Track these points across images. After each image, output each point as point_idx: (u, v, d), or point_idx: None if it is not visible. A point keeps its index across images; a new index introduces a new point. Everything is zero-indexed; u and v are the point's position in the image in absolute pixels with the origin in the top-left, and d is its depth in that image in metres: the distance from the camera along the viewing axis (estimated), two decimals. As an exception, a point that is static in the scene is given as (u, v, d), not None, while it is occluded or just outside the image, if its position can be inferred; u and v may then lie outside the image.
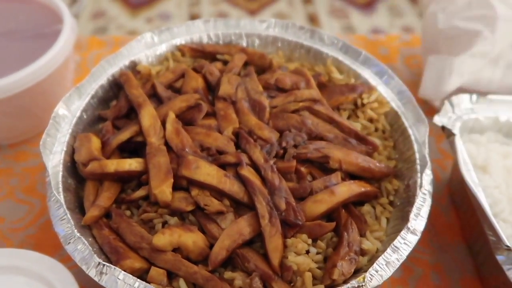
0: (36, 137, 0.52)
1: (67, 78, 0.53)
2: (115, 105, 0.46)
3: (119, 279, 0.31)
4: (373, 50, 0.69)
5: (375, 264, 0.32)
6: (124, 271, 0.31)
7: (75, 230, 0.33)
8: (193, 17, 2.21)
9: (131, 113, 0.45)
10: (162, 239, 0.33)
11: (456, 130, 0.44)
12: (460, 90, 0.52)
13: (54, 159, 0.39)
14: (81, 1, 2.20)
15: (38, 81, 0.45)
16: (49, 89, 0.48)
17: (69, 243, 0.33)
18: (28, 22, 0.51)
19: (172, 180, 0.37)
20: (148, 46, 0.51)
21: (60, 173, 0.38)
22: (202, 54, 0.52)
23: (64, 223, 0.34)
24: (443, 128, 0.44)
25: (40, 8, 0.51)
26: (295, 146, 0.42)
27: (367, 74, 0.49)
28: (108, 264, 0.31)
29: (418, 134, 0.43)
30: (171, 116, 0.42)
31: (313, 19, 2.28)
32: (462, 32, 0.50)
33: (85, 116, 0.44)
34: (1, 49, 0.48)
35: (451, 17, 0.51)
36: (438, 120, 0.45)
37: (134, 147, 0.42)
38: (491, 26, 0.49)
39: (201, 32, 0.53)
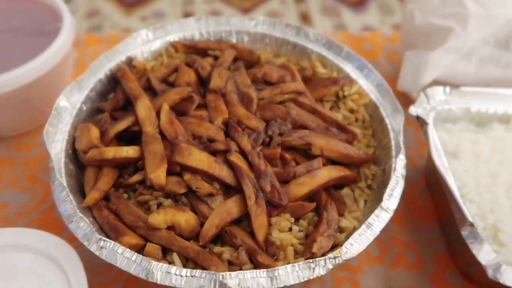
0: (37, 129, 0.55)
1: (67, 73, 0.55)
2: (113, 97, 0.49)
3: (118, 253, 0.34)
4: (358, 46, 0.72)
5: (350, 239, 0.36)
6: (123, 247, 0.34)
7: (77, 210, 0.36)
8: (187, 15, 2.24)
9: (128, 105, 0.48)
10: (157, 218, 0.37)
11: (430, 120, 0.48)
12: (436, 83, 0.56)
13: (57, 147, 0.42)
14: (75, 1, 2.21)
15: (40, 75, 0.48)
16: (50, 83, 0.51)
17: (72, 221, 0.36)
18: (30, 20, 0.54)
19: (166, 166, 0.40)
20: (143, 43, 0.54)
21: (62, 160, 0.41)
22: (194, 50, 0.55)
23: (67, 204, 0.37)
24: (418, 118, 0.48)
25: (41, 7, 0.54)
26: (280, 135, 0.45)
27: (349, 68, 0.53)
28: (108, 239, 0.34)
29: (395, 124, 0.47)
30: (165, 107, 0.45)
31: (305, 18, 2.31)
32: (437, 28, 0.54)
33: (84, 108, 0.47)
34: (4, 45, 0.51)
35: (426, 14, 0.55)
36: (414, 110, 0.49)
37: (131, 136, 0.46)
38: (463, 23, 0.53)
39: (194, 29, 0.56)
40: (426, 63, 0.54)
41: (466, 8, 0.53)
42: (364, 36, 0.75)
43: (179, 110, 0.46)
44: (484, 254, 0.37)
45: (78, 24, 2.14)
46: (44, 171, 0.51)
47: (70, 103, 0.46)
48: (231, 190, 0.41)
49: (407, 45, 0.59)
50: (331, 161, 0.45)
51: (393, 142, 0.45)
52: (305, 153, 0.45)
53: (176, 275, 0.32)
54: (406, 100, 0.59)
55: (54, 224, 0.46)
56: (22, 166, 0.52)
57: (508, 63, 0.55)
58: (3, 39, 0.52)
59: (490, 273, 0.37)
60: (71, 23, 0.52)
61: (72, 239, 0.37)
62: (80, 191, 0.42)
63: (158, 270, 0.33)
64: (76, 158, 0.43)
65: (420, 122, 0.48)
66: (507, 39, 0.54)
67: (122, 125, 0.44)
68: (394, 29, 2.13)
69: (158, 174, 0.40)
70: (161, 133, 0.44)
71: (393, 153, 0.44)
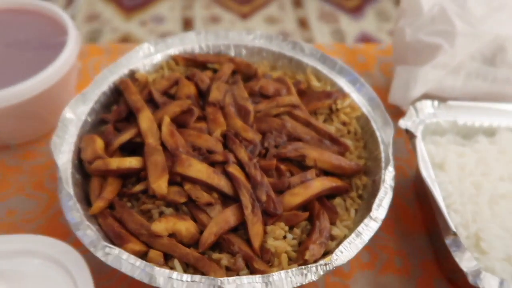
0: (42, 137, 0.57)
1: (71, 84, 0.58)
2: (116, 109, 0.51)
3: (122, 259, 0.36)
4: (352, 58, 0.75)
5: (340, 246, 0.38)
6: (127, 253, 0.37)
7: (84, 218, 0.39)
8: (186, 20, 2.26)
9: (130, 117, 0.51)
10: (159, 226, 0.39)
11: (418, 133, 0.50)
12: (426, 96, 0.58)
13: (63, 157, 0.44)
14: (75, 4, 2.23)
15: (47, 88, 0.50)
16: (55, 95, 0.54)
17: (79, 229, 0.38)
18: (36, 33, 0.56)
19: (167, 176, 0.43)
20: (145, 56, 0.56)
21: (69, 170, 0.43)
22: (194, 63, 0.58)
23: (74, 213, 0.39)
24: (407, 130, 0.51)
25: (46, 20, 0.56)
26: (276, 146, 0.47)
27: (342, 82, 0.55)
28: (113, 246, 0.37)
29: (385, 136, 0.49)
30: (166, 119, 0.48)
31: (303, 23, 2.34)
32: (426, 45, 0.57)
33: (89, 120, 0.49)
34: (11, 58, 0.53)
35: (416, 31, 0.58)
36: (403, 123, 0.51)
37: (133, 147, 0.48)
38: (451, 41, 0.55)
39: (194, 43, 0.59)
40: (416, 78, 0.57)
41: (454, 26, 0.55)
42: (358, 48, 0.78)
43: (179, 122, 0.49)
44: (466, 262, 0.40)
45: (78, 28, 2.15)
46: (49, 178, 0.53)
47: (75, 115, 0.48)
48: (229, 199, 0.43)
49: (398, 59, 0.62)
50: (324, 172, 0.47)
51: (383, 154, 0.48)
52: (300, 164, 0.47)
53: (177, 280, 0.35)
54: (397, 111, 0.62)
55: (60, 230, 0.48)
56: (28, 174, 0.54)
57: (493, 78, 0.57)
58: (10, 52, 0.54)
59: (470, 279, 0.39)
60: (76, 37, 0.55)
61: (77, 245, 0.39)
62: (85, 200, 0.44)
63: (161, 275, 0.35)
64: (82, 168, 0.46)
65: (409, 135, 0.50)
66: (493, 56, 0.57)
67: (125, 136, 0.47)
68: (391, 36, 2.16)
69: (160, 184, 0.42)
70: (162, 144, 0.46)
71: (383, 164, 0.47)
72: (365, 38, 2.19)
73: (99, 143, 0.46)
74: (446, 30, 0.56)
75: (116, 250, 0.36)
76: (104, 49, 0.71)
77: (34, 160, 0.55)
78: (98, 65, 0.69)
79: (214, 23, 2.18)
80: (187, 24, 2.15)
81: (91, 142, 0.46)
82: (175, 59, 0.57)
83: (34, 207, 0.51)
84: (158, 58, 0.57)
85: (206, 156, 0.45)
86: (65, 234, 0.45)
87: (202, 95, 0.53)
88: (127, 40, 2.01)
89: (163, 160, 0.44)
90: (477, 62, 0.57)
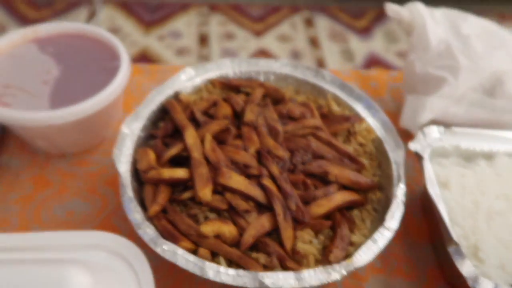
0: (94, 148, 0.65)
1: (120, 102, 0.66)
2: (163, 126, 0.58)
3: (178, 254, 0.43)
4: (365, 84, 0.83)
5: (359, 251, 0.45)
6: (182, 249, 0.44)
7: (144, 219, 0.46)
8: (202, 36, 2.36)
9: (175, 133, 0.58)
10: (207, 227, 0.46)
11: (426, 155, 0.57)
12: (433, 122, 0.66)
13: (123, 167, 0.52)
14: (97, 18, 2.33)
15: (104, 106, 0.58)
16: (109, 112, 0.61)
17: (140, 228, 0.45)
18: (93, 57, 0.64)
19: (211, 186, 0.50)
20: (187, 79, 0.64)
21: (128, 178, 0.51)
22: (229, 86, 0.66)
23: (135, 214, 0.46)
24: (416, 153, 0.58)
25: (102, 46, 0.65)
26: (303, 163, 0.55)
27: (359, 108, 0.63)
28: (170, 243, 0.44)
29: (397, 157, 0.57)
30: (208, 137, 0.55)
31: (314, 42, 2.42)
32: (433, 77, 0.64)
33: (141, 135, 0.57)
34: (72, 78, 0.61)
35: (425, 65, 0.66)
36: (413, 146, 0.58)
37: (180, 160, 0.55)
38: (455, 74, 0.63)
39: (228, 68, 0.67)
40: (424, 106, 0.64)
41: (458, 61, 0.63)
42: (371, 74, 0.85)
43: (219, 139, 0.56)
44: (466, 268, 0.47)
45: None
46: (101, 184, 0.61)
47: (130, 130, 0.56)
48: (263, 207, 0.51)
49: (409, 88, 0.70)
50: (344, 187, 0.55)
51: (395, 173, 0.55)
52: (323, 179, 0.54)
53: (225, 273, 0.42)
54: (407, 134, 0.69)
55: (113, 230, 0.55)
56: (83, 180, 0.61)
57: (493, 108, 0.65)
58: (71, 73, 0.62)
59: (470, 283, 0.46)
60: (128, 62, 0.63)
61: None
62: (140, 204, 0.51)
63: (210, 269, 0.42)
64: (137, 176, 0.53)
65: (418, 157, 0.58)
66: (492, 88, 0.65)
67: (173, 151, 0.54)
68: (398, 56, 2.24)
69: (205, 192, 0.49)
70: (205, 158, 0.54)
71: (395, 182, 0.54)
72: (373, 59, 2.28)
73: (152, 155, 0.54)
74: (451, 64, 0.64)
75: (173, 246, 0.43)
76: (144, 70, 0.80)
77: (87, 168, 0.63)
78: (140, 83, 0.77)
79: (229, 40, 2.28)
80: (203, 40, 2.25)
81: (145, 155, 0.53)
82: (212, 82, 0.65)
83: (89, 209, 0.58)
84: (198, 81, 0.65)
85: (243, 169, 0.53)
86: (118, 233, 0.53)
87: (237, 115, 0.61)
88: (146, 53, 2.10)
89: (207, 172, 0.51)
90: (478, 93, 0.65)
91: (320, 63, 2.17)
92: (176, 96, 0.62)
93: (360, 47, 2.33)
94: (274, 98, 0.65)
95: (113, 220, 0.57)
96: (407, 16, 0.70)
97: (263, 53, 2.16)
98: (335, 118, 0.61)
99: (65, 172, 0.62)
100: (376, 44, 2.37)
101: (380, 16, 2.51)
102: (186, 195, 0.50)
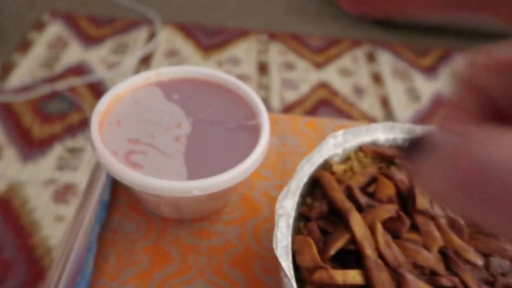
0: (214, 214, 0.56)
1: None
2: (318, 207, 0.48)
3: None
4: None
5: None
6: None
7: None
8: (262, 64, 2.31)
9: (329, 214, 0.48)
10: None
11: None
12: None
13: (284, 261, 0.41)
14: (156, 39, 2.32)
15: (249, 174, 0.49)
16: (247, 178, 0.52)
17: None
18: (226, 111, 0.55)
19: (400, 300, 0.39)
20: (335, 146, 0.54)
21: (292, 275, 0.41)
22: (381, 156, 0.55)
23: None
24: None
25: (243, 104, 0.56)
26: (503, 274, 0.43)
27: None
28: None
29: None
30: (379, 228, 0.45)
31: (377, 78, 2.34)
32: None
33: (293, 214, 0.47)
34: (205, 135, 0.53)
35: None
36: None
37: (339, 253, 0.45)
38: None
39: (379, 133, 0.57)
40: None
41: None
42: None
43: (389, 230, 0.46)
44: None
45: (158, 62, 2.23)
46: (228, 265, 0.51)
47: (283, 209, 0.46)
48: (465, 335, 0.39)
49: None
50: (554, 309, 0.43)
51: None
52: (529, 297, 0.43)
53: None
54: None
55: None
56: (206, 255, 0.52)
57: None
58: (202, 128, 0.53)
59: None
60: (269, 121, 0.54)
61: None
62: (303, 312, 0.41)
63: None
64: (297, 271, 0.43)
65: None
66: None
67: (340, 243, 0.44)
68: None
69: (393, 310, 0.38)
70: (379, 256, 0.43)
71: None
72: (440, 99, 2.16)
73: (314, 247, 0.43)
74: None
75: None
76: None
77: (209, 241, 0.53)
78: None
79: (289, 70, 2.21)
80: (263, 69, 2.19)
81: (307, 246, 0.43)
82: (364, 150, 0.55)
83: (220, 298, 0.48)
84: (347, 147, 0.55)
85: (429, 277, 0.42)
86: None
87: (400, 196, 0.50)
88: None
89: (389, 279, 0.41)
90: None
91: (384, 102, 2.06)
92: (329, 167, 0.52)
93: (425, 86, 2.22)
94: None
95: (252, 317, 0.47)
96: None
97: (324, 86, 2.08)
98: None
99: (186, 245, 0.52)
100: (442, 84, 2.26)
101: (446, 55, 2.40)
102: (369, 310, 0.40)
